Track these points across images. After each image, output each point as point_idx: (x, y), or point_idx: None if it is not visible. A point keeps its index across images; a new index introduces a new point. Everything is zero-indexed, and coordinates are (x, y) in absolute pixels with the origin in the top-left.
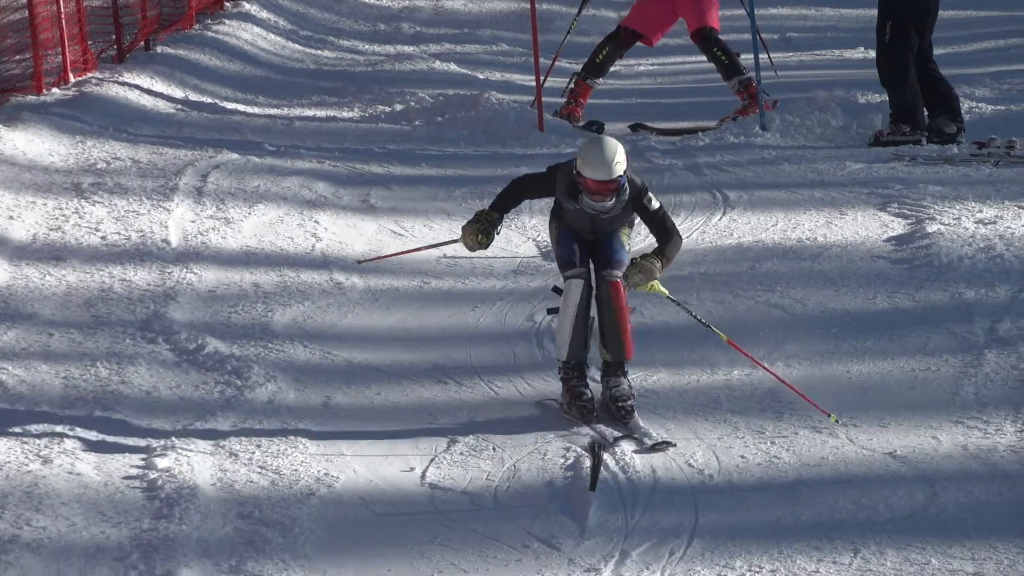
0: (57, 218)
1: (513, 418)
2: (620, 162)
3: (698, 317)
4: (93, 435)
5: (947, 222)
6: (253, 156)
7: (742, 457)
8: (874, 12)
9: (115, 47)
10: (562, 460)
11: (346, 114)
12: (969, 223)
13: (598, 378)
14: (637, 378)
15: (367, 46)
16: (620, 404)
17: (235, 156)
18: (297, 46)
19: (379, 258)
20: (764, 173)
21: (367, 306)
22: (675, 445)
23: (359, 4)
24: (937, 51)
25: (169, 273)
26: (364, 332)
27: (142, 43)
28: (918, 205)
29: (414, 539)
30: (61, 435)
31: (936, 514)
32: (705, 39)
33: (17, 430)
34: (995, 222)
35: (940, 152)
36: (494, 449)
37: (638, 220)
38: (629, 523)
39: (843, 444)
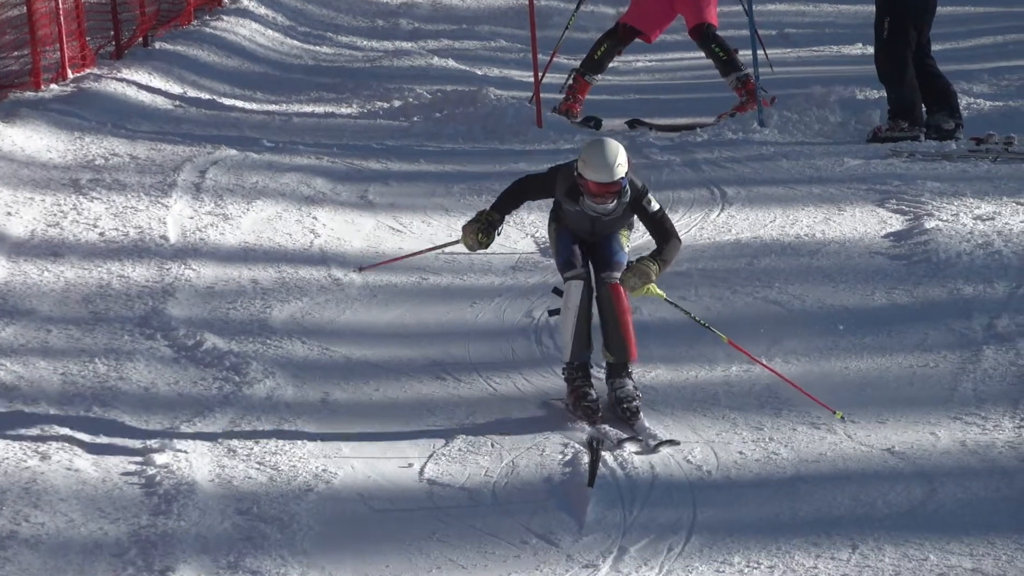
0: (55, 214)
1: (511, 414)
2: (622, 164)
3: (697, 318)
4: (91, 431)
5: (945, 218)
6: (251, 152)
7: (740, 453)
8: (872, 8)
9: (113, 43)
10: (560, 456)
11: (344, 110)
12: (967, 219)
13: (602, 376)
14: (635, 375)
15: (365, 42)
16: (625, 405)
17: (233, 152)
18: (295, 42)
19: (380, 264)
20: (762, 169)
21: (365, 302)
22: (678, 444)
23: (357, 0)
24: (935, 47)
25: (167, 269)
26: (362, 328)
27: (140, 39)
28: (916, 201)
29: (412, 535)
30: (59, 431)
31: (934, 510)
32: (703, 35)
33: (15, 426)
34: (993, 218)
35: (938, 148)
36: (492, 445)
37: (638, 221)
38: (627, 519)
39: (841, 440)
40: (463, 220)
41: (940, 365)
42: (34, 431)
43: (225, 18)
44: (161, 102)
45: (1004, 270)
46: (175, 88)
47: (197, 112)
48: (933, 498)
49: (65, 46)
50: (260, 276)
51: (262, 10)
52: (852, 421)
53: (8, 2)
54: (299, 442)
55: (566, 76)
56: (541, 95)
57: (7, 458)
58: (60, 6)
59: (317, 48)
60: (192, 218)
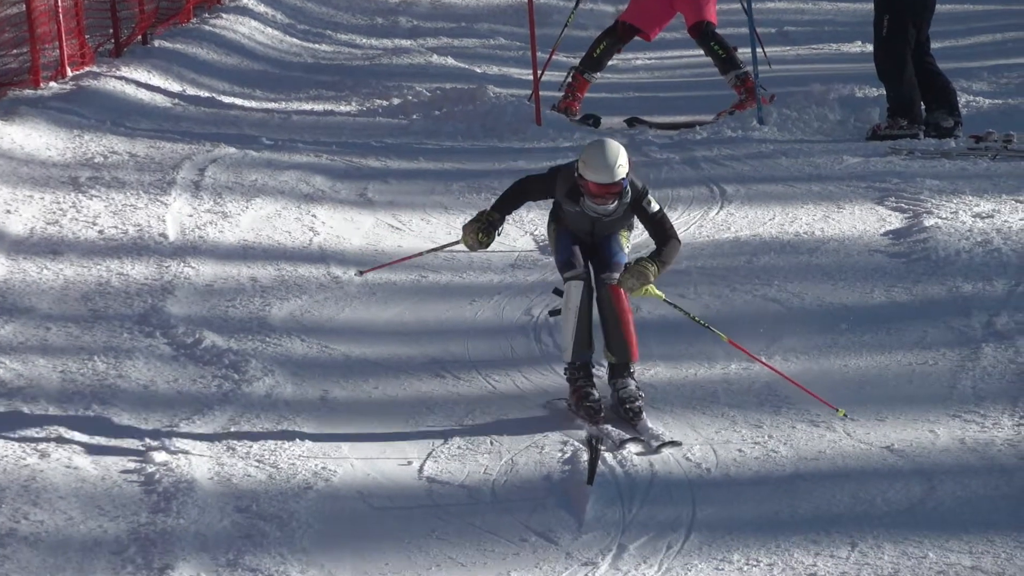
0: (54, 212)
1: (511, 412)
2: (623, 165)
3: (696, 319)
4: (90, 429)
5: (944, 216)
6: (250, 150)
7: (739, 451)
8: (871, 6)
9: (112, 41)
10: (560, 454)
11: (343, 108)
12: (966, 217)
13: (604, 375)
14: (634, 372)
15: (364, 40)
16: (628, 406)
17: (232, 150)
18: (295, 40)
19: (379, 267)
20: (761, 167)
21: (364, 300)
22: (680, 445)
23: None
24: (934, 45)
25: (166, 267)
26: (361, 326)
27: (139, 37)
28: (915, 199)
29: (412, 533)
30: (58, 429)
31: (933, 508)
32: (702, 33)
33: (14, 424)
34: (992, 216)
35: (937, 146)
36: (491, 443)
37: (637, 221)
38: (627, 517)
39: (840, 438)
40: (462, 218)
41: (939, 363)
42: (33, 429)
43: (224, 16)
44: (160, 100)
45: (1003, 268)
46: (174, 86)
47: (196, 110)
48: (932, 496)
49: (64, 44)
50: (259, 274)
51: (261, 8)
52: (851, 419)
53: (7, 0)
54: (298, 440)
55: (565, 74)
56: (540, 93)
57: (6, 456)
58: (59, 4)
59: (316, 46)
60: (191, 216)
